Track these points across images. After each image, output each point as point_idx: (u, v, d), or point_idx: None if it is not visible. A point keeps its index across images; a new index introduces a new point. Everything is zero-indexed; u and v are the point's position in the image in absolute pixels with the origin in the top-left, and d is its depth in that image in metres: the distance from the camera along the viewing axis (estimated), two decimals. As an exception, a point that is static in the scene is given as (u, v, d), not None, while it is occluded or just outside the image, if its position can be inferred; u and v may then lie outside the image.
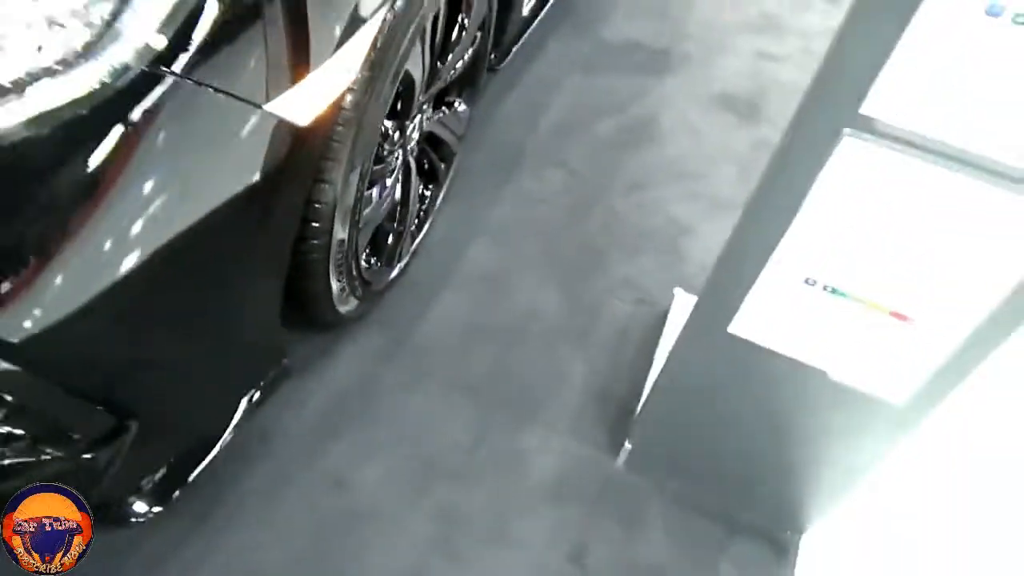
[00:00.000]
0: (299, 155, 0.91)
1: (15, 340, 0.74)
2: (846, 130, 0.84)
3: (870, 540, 1.30)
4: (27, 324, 0.74)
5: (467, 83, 1.53)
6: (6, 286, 0.72)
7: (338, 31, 0.90)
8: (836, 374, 1.04)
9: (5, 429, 0.85)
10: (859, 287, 0.95)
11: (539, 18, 1.91)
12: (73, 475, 0.93)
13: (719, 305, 1.06)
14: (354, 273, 1.25)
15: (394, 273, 1.45)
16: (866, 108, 0.81)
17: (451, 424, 1.35)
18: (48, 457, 0.89)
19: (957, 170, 0.81)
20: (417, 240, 1.53)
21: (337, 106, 0.94)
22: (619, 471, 1.34)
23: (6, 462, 0.89)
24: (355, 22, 0.92)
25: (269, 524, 1.19)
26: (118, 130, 0.73)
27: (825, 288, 0.97)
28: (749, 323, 1.05)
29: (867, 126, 0.83)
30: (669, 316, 1.53)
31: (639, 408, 1.36)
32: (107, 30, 0.73)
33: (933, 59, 0.75)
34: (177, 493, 1.04)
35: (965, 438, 1.43)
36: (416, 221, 1.49)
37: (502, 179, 1.78)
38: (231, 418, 1.08)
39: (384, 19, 0.98)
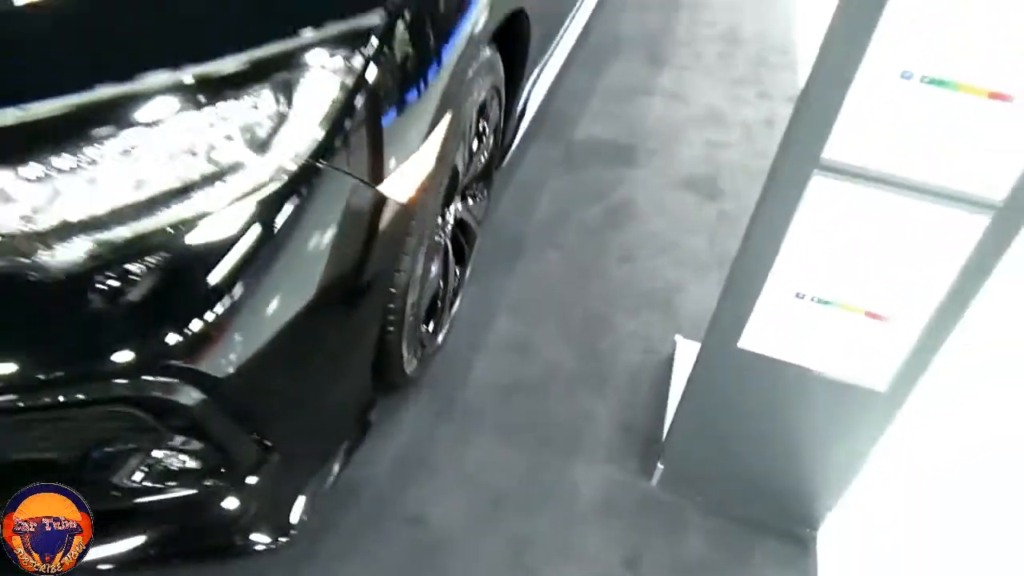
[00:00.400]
0: (396, 228, 1.15)
1: (220, 376, 0.94)
2: (814, 171, 1.12)
3: (876, 528, 1.51)
4: (224, 364, 0.94)
5: (484, 177, 1.81)
6: (218, 327, 0.92)
7: (425, 127, 1.16)
8: (830, 372, 1.29)
9: (183, 462, 1.03)
10: (840, 295, 1.21)
11: (524, 126, 2.23)
12: (198, 512, 1.09)
13: (728, 325, 1.31)
14: (416, 336, 1.47)
15: (440, 339, 1.67)
16: (827, 153, 1.10)
17: (506, 464, 1.55)
18: (205, 489, 1.06)
19: (899, 194, 1.09)
20: (453, 311, 1.76)
21: (421, 189, 1.19)
22: (654, 489, 1.54)
23: (172, 495, 1.05)
24: (434, 122, 1.19)
25: (367, 556, 1.36)
26: (287, 207, 0.96)
27: (813, 299, 1.23)
28: (754, 338, 1.30)
29: (829, 167, 1.11)
30: (676, 356, 1.77)
31: (665, 433, 1.58)
32: (272, 137, 0.97)
33: (872, 111, 1.05)
34: (296, 527, 1.20)
35: (949, 434, 1.67)
36: (451, 295, 1.73)
37: (509, 261, 2.03)
38: (336, 461, 1.26)
39: (448, 121, 1.24)
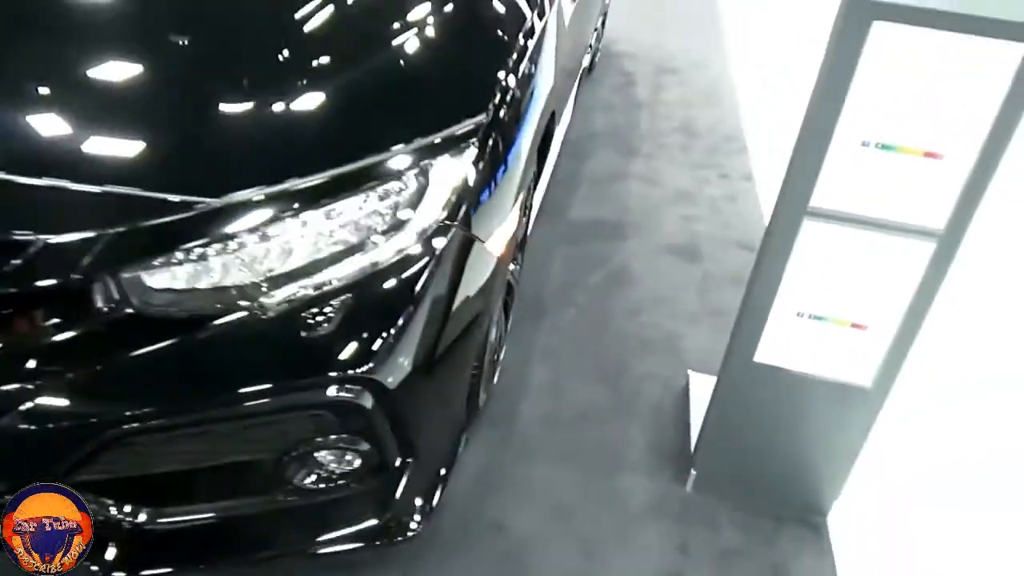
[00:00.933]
0: (493, 277, 1.47)
1: (389, 386, 1.22)
2: (804, 217, 1.49)
3: (875, 510, 1.83)
4: (391, 377, 1.23)
5: (520, 245, 2.16)
6: (388, 348, 1.21)
7: (510, 200, 1.50)
8: (827, 375, 1.63)
9: (349, 463, 1.29)
10: (831, 311, 1.57)
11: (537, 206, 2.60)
12: (372, 502, 1.35)
13: (745, 344, 1.65)
14: (491, 372, 1.76)
15: (496, 378, 1.97)
16: (814, 202, 1.47)
17: (563, 480, 1.83)
18: (366, 484, 1.32)
19: (868, 230, 1.47)
20: (502, 356, 2.06)
21: (507, 247, 1.52)
22: (689, 493, 1.84)
23: (337, 496, 1.31)
24: (515, 196, 1.53)
25: (464, 557, 1.61)
26: (432, 258, 1.28)
27: (810, 316, 1.59)
28: (767, 352, 1.64)
29: (816, 213, 1.48)
30: (691, 385, 2.10)
31: (693, 445, 1.89)
32: (417, 207, 1.29)
33: (844, 170, 1.43)
34: (434, 511, 1.44)
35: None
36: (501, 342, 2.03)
37: (535, 318, 2.36)
38: (452, 463, 1.53)
39: (523, 195, 1.59)
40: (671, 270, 2.70)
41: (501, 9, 1.58)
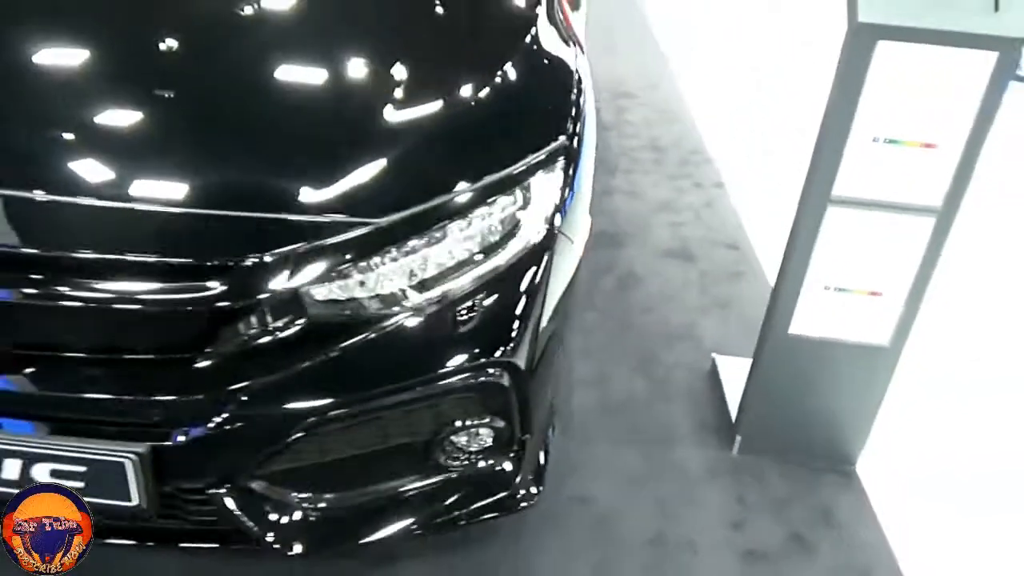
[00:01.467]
0: (577, 271, 1.68)
1: (522, 368, 1.44)
2: (828, 204, 1.78)
3: (897, 456, 2.12)
4: (521, 361, 1.45)
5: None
6: (517, 336, 1.43)
7: (584, 207, 1.73)
8: (852, 339, 1.92)
9: (483, 442, 1.49)
10: (853, 283, 1.86)
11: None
12: (502, 476, 1.55)
13: (780, 319, 1.92)
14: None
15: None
16: (835, 191, 1.76)
17: (626, 457, 2.06)
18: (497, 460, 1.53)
19: (882, 211, 1.76)
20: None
21: (585, 247, 1.75)
22: (736, 456, 2.09)
23: (473, 472, 1.51)
24: (585, 204, 1.77)
25: (559, 527, 1.82)
26: (543, 258, 1.50)
27: (835, 289, 1.87)
28: (800, 324, 1.92)
29: (837, 200, 1.77)
30: (719, 366, 2.37)
31: (734, 415, 2.15)
32: (523, 217, 1.51)
33: (860, 163, 1.73)
34: (543, 484, 1.64)
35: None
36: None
37: (567, 322, 2.60)
38: (549, 441, 1.73)
39: (588, 202, 1.82)
40: (671, 271, 2.98)
41: (561, 48, 1.83)
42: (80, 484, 1.30)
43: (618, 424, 2.17)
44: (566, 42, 1.85)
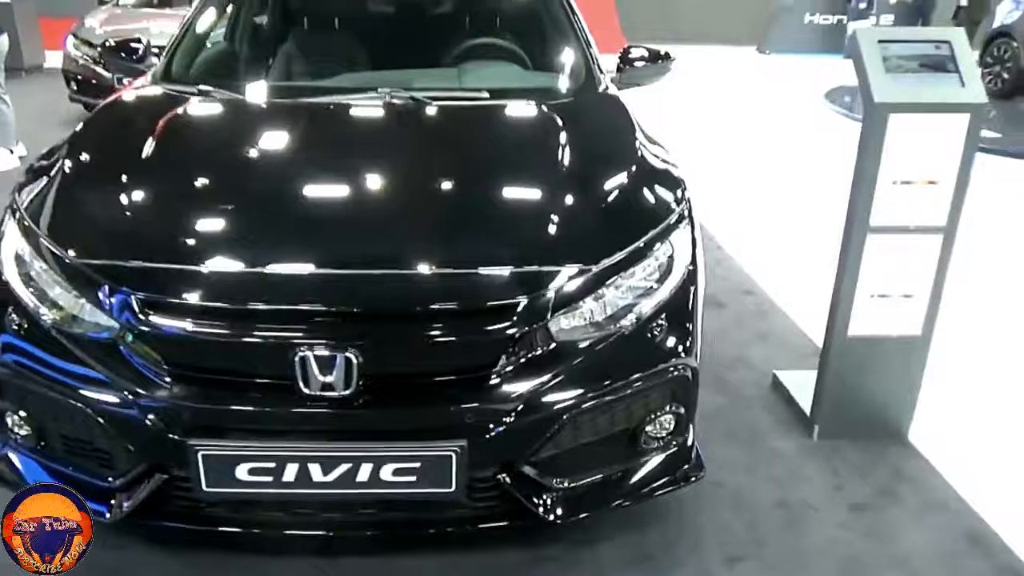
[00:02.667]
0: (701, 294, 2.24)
1: (695, 367, 1.97)
2: (868, 232, 2.42)
3: (942, 423, 2.70)
4: (695, 362, 1.98)
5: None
6: (690, 343, 1.97)
7: (699, 243, 2.31)
8: (895, 333, 2.53)
9: (666, 428, 2.00)
10: (892, 289, 2.48)
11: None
12: (680, 454, 2.05)
13: (840, 322, 2.52)
14: None
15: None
16: (872, 222, 2.41)
17: (736, 450, 2.58)
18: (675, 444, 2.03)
19: (904, 233, 2.41)
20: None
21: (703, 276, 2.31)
22: (817, 441, 2.64)
23: (664, 449, 2.01)
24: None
25: (697, 507, 2.31)
26: (690, 290, 2.05)
27: (879, 295, 2.49)
28: (856, 326, 2.52)
29: (874, 228, 2.41)
30: (781, 378, 2.93)
31: (809, 409, 2.71)
32: (673, 261, 2.07)
33: (887, 200, 2.38)
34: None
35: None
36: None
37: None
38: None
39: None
40: (710, 314, 3.58)
41: (663, 153, 2.44)
42: (413, 478, 1.76)
43: (718, 428, 2.70)
44: (664, 148, 2.48)
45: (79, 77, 7.34)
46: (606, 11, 12.29)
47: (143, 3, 8.35)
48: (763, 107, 9.14)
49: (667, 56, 3.17)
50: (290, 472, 1.75)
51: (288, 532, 1.92)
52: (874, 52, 2.34)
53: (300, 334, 1.73)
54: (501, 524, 1.90)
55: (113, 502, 1.83)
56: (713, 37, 14.95)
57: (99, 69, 7.23)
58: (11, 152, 5.95)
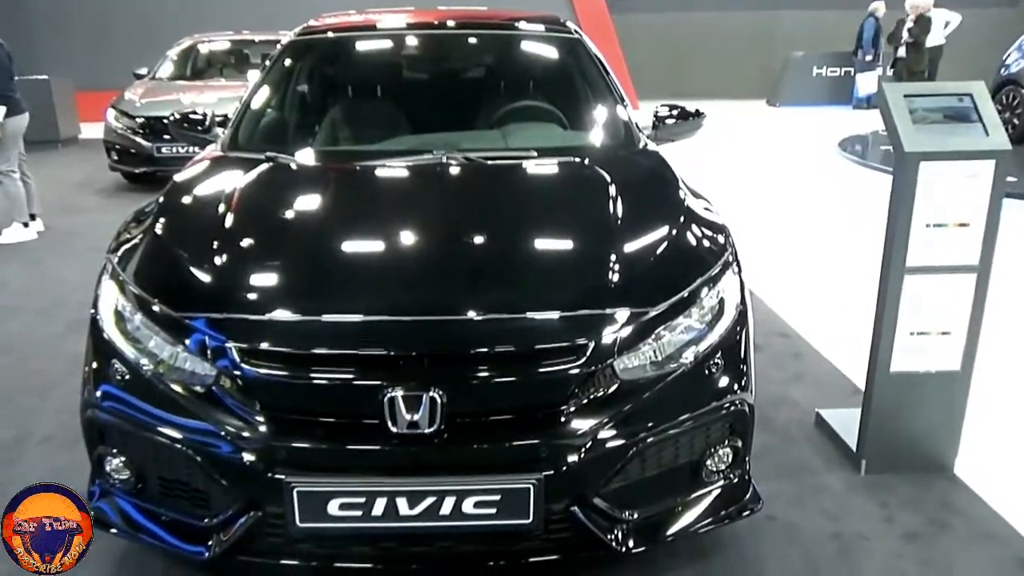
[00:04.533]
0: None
1: (751, 403, 2.09)
2: (905, 273, 2.55)
3: (986, 456, 2.79)
4: (751, 397, 2.10)
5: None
6: (746, 379, 2.09)
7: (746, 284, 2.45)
8: (936, 368, 2.64)
9: (725, 460, 2.11)
10: (930, 327, 2.61)
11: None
12: (736, 488, 2.16)
13: (883, 361, 2.64)
14: None
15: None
16: (908, 263, 2.54)
17: (788, 487, 2.67)
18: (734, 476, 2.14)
19: (941, 273, 2.54)
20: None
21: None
22: (865, 476, 2.73)
23: (718, 485, 2.12)
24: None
25: (753, 541, 2.40)
26: (739, 331, 2.18)
27: (918, 333, 2.61)
28: (898, 363, 2.64)
29: (911, 269, 2.55)
30: (824, 416, 3.03)
31: (855, 444, 2.80)
32: (724, 305, 2.21)
33: (921, 242, 2.52)
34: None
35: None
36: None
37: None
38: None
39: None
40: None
41: (708, 203, 2.62)
42: (493, 511, 1.88)
43: (767, 465, 2.79)
44: (707, 200, 2.65)
45: (118, 147, 7.68)
46: (619, 71, 12.68)
47: (176, 76, 8.75)
48: (780, 157, 9.37)
49: (698, 113, 3.37)
50: (379, 506, 1.87)
51: (371, 566, 2.02)
52: (901, 105, 2.51)
53: (387, 377, 1.88)
54: (575, 555, 2.00)
55: (211, 541, 1.95)
56: (724, 92, 15.36)
57: (138, 139, 7.58)
58: (25, 226, 6.08)
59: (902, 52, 11.59)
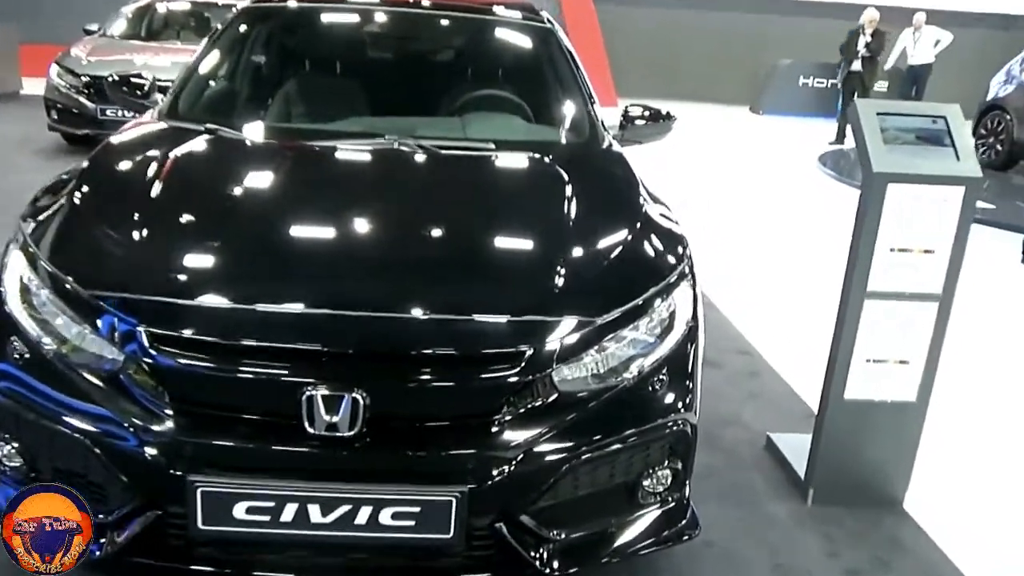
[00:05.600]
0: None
1: (694, 422, 2.07)
2: (865, 298, 2.56)
3: (935, 493, 2.81)
4: (694, 417, 2.08)
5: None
6: (690, 398, 2.08)
7: (700, 297, 2.44)
8: (891, 398, 2.65)
9: (663, 482, 2.08)
10: (887, 355, 2.62)
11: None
12: (674, 511, 2.14)
13: (836, 387, 2.64)
14: None
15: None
16: (869, 287, 2.55)
17: (730, 514, 2.67)
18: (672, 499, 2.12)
19: (902, 300, 2.55)
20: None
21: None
22: (812, 507, 2.74)
23: (655, 507, 2.10)
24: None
25: (696, 566, 2.39)
26: (688, 345, 2.16)
27: (874, 360, 2.62)
28: (852, 390, 2.64)
29: (871, 294, 2.55)
30: (775, 440, 3.04)
31: (803, 473, 2.81)
32: (674, 318, 2.19)
33: (883, 267, 2.52)
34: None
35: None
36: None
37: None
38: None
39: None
40: (704, 373, 3.69)
41: (665, 210, 2.59)
42: (412, 523, 1.83)
43: (710, 488, 2.78)
44: (666, 207, 2.63)
45: (60, 106, 7.47)
46: (599, 66, 12.70)
47: (130, 35, 8.54)
48: (757, 168, 9.45)
49: (668, 116, 3.35)
50: (288, 512, 1.81)
51: None
52: (873, 123, 2.51)
53: (308, 373, 1.82)
54: (498, 574, 1.96)
55: (104, 539, 1.88)
56: (707, 96, 15.44)
57: (82, 99, 7.37)
58: None
59: (857, 66, 11.60)
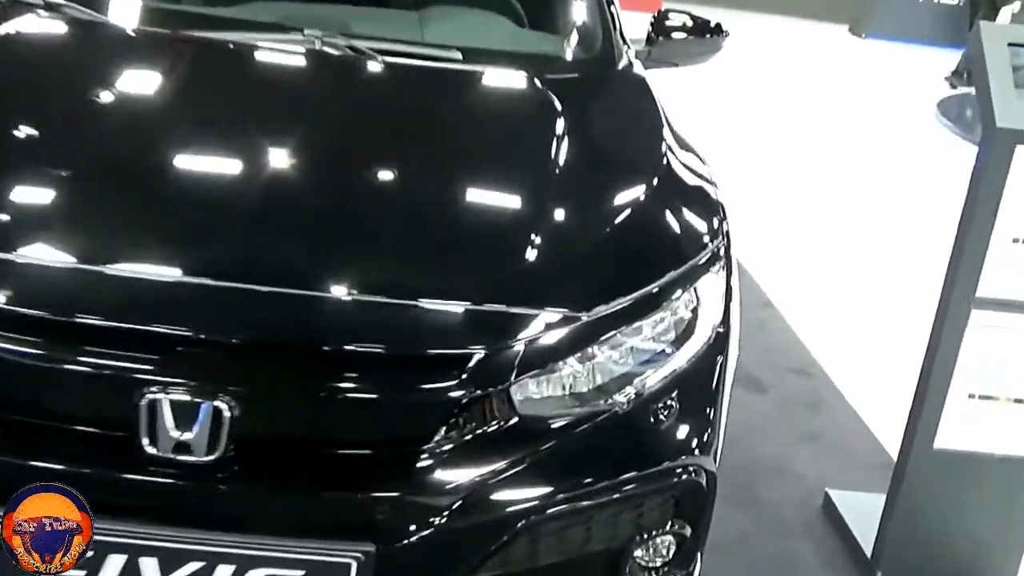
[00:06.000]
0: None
1: (713, 470, 2.02)
2: (972, 306, 2.50)
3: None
4: (712, 462, 2.03)
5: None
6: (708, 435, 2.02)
7: (737, 296, 2.38)
8: (1000, 450, 2.60)
9: (665, 552, 2.04)
10: (999, 390, 2.56)
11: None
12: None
13: (924, 431, 2.60)
14: None
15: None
16: (979, 293, 2.49)
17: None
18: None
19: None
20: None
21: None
22: (879, 592, 2.71)
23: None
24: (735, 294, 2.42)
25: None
26: (718, 352, 2.11)
27: (981, 396, 2.57)
28: (946, 437, 2.60)
29: (982, 301, 2.49)
30: (833, 499, 3.00)
31: (870, 550, 2.77)
32: (698, 314, 2.13)
33: (1000, 265, 2.46)
34: None
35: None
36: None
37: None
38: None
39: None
40: (743, 399, 3.64)
41: (702, 167, 2.54)
42: (295, 591, 1.78)
43: (738, 564, 2.75)
44: (699, 157, 2.57)
45: None
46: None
47: None
48: (852, 114, 9.35)
49: (718, 29, 3.28)
50: (112, 567, 1.74)
51: None
52: (1001, 58, 2.44)
53: (151, 367, 1.75)
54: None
55: None
56: (792, 7, 15.32)
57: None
58: None
59: None
